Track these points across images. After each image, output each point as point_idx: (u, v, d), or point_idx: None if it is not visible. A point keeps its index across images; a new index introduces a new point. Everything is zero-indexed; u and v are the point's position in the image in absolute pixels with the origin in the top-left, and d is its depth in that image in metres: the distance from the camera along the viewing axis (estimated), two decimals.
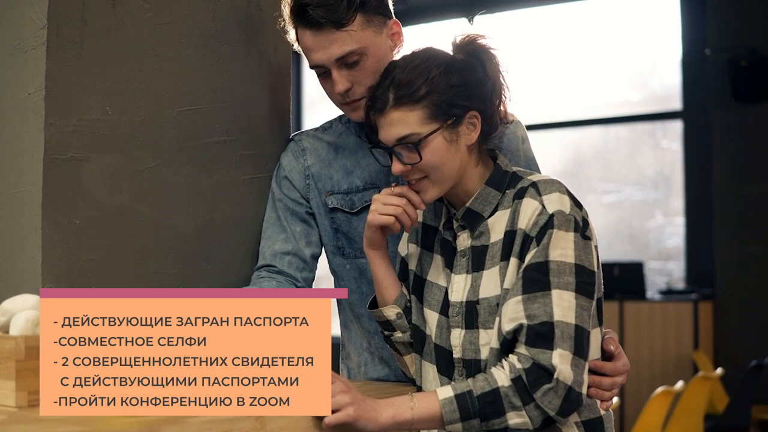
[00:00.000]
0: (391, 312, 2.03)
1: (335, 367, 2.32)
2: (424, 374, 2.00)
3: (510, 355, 1.78)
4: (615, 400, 3.91)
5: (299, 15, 2.08)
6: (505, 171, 1.95)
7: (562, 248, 1.80)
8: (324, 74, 2.12)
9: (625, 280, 6.89)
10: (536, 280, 1.79)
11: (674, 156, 8.02)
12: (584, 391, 1.79)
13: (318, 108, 9.32)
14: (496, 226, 1.90)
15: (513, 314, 1.79)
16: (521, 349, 1.77)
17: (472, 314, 1.89)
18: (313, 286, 2.26)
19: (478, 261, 1.91)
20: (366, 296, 2.21)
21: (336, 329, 2.39)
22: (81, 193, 1.91)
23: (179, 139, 2.10)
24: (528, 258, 1.81)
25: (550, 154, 8.53)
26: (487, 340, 1.86)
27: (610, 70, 8.48)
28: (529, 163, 2.23)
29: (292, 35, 2.14)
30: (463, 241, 1.95)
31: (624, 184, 8.45)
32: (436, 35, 9.06)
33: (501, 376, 1.76)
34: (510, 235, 1.86)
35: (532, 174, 1.94)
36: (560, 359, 1.74)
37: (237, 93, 2.24)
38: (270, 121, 2.32)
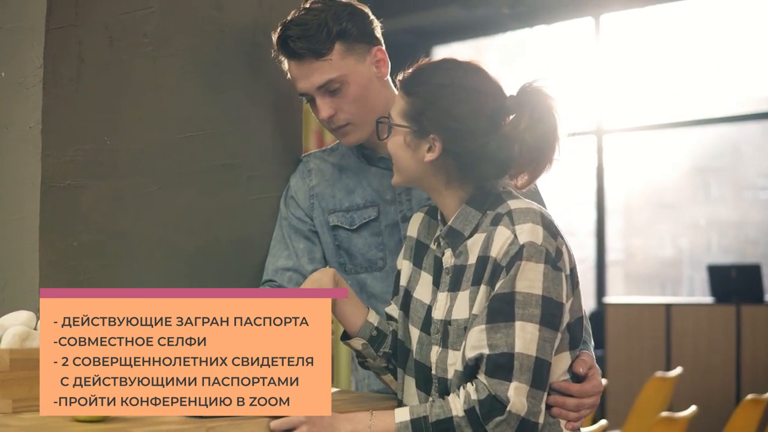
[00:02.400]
0: (357, 343, 2.09)
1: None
2: (406, 388, 2.06)
3: (469, 384, 1.84)
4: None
5: (282, 47, 2.20)
6: (489, 191, 1.97)
7: (530, 280, 1.83)
8: (311, 102, 2.22)
9: (742, 283, 6.72)
10: (501, 311, 1.83)
11: None
12: (540, 420, 1.83)
13: None
14: (474, 248, 1.93)
15: (476, 342, 1.84)
16: (481, 377, 1.82)
17: (447, 333, 1.95)
18: None
19: (455, 281, 1.96)
20: None
21: None
22: (79, 217, 2.07)
23: (181, 164, 2.24)
24: (496, 287, 1.85)
25: (705, 149, 8.41)
26: (454, 361, 1.91)
27: (762, 63, 8.27)
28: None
29: (285, 65, 2.25)
30: (448, 258, 1.99)
31: None
32: (561, 36, 9.04)
33: (456, 405, 1.82)
34: (482, 260, 1.90)
35: (513, 198, 1.94)
36: (515, 392, 1.79)
37: (243, 118, 2.36)
38: (279, 144, 2.44)
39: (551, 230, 1.88)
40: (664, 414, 3.91)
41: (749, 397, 4.41)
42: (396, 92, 2.04)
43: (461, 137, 1.91)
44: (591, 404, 1.97)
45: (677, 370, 5.54)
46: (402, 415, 1.85)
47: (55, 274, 2.02)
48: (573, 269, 1.93)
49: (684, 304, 7.10)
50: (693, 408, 4.08)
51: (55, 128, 2.03)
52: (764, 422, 4.77)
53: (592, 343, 2.14)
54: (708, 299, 7.16)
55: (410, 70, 1.97)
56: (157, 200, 2.19)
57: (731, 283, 6.67)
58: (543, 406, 1.84)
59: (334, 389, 2.36)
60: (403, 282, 2.11)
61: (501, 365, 1.80)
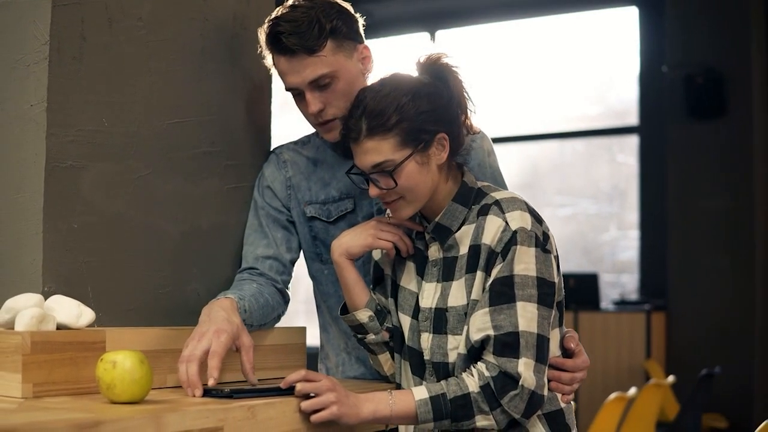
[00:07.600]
0: (363, 315, 2.16)
1: (313, 367, 2.46)
2: (404, 372, 2.15)
3: (479, 363, 1.94)
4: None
5: (274, 42, 2.22)
6: (471, 187, 2.09)
7: (525, 263, 1.96)
8: (299, 96, 2.26)
9: (580, 291, 7.07)
10: (502, 293, 1.94)
11: (630, 170, 8.21)
12: (546, 392, 1.95)
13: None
14: (464, 239, 2.04)
15: (481, 324, 1.94)
16: (489, 357, 1.93)
17: (441, 320, 2.04)
18: (290, 288, 2.39)
19: (447, 271, 2.06)
20: (343, 300, 2.34)
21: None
22: (79, 199, 2.03)
23: (169, 149, 2.23)
24: (494, 272, 1.96)
25: (507, 166, 8.69)
26: (455, 345, 2.01)
27: (568, 84, 8.66)
28: (494, 175, 2.36)
29: (269, 60, 2.28)
30: (434, 252, 2.09)
31: (579, 198, 8.62)
32: (399, 49, 9.22)
33: (471, 382, 1.92)
34: (474, 249, 2.01)
35: (496, 190, 2.08)
36: (524, 367, 1.91)
37: (222, 107, 2.37)
38: (251, 134, 2.46)
39: (536, 217, 2.02)
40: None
41: (614, 395, 4.66)
42: None
43: (452, 114, 2.05)
44: (581, 378, 2.11)
45: None
46: (420, 393, 1.93)
47: (57, 256, 1.98)
48: (556, 254, 2.06)
49: None
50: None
51: (58, 107, 1.99)
52: (623, 419, 5.04)
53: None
54: None
55: (360, 120, 1.99)
56: (148, 184, 2.18)
57: (569, 291, 6.99)
58: (546, 380, 1.96)
59: None
60: (387, 271, 2.19)
61: (508, 344, 1.91)
